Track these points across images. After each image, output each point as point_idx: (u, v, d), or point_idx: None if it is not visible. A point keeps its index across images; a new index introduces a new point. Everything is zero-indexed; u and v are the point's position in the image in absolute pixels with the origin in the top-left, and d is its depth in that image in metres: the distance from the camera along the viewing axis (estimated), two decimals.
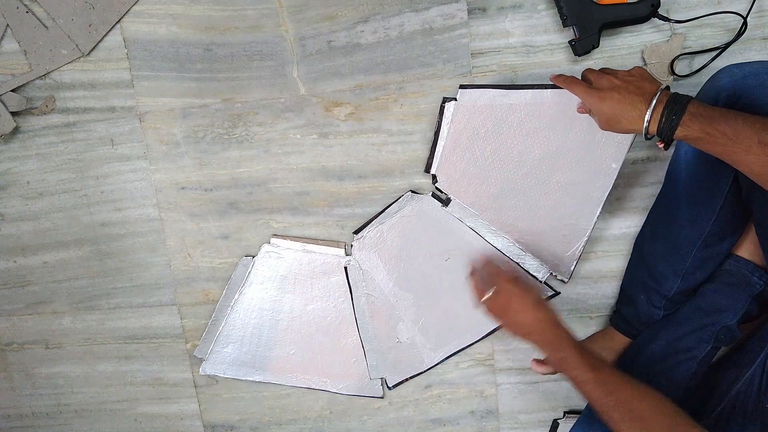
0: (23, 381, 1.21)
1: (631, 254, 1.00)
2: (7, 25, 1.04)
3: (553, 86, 0.90)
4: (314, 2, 0.99)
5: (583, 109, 0.85)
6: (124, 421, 1.21)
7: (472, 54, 0.98)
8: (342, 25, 0.99)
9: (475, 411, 1.12)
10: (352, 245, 1.06)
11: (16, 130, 1.09)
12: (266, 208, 1.07)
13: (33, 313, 1.17)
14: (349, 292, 1.07)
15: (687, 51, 0.94)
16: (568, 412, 1.09)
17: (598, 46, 0.92)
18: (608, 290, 1.04)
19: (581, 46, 0.92)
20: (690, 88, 0.95)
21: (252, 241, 1.08)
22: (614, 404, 0.73)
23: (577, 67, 0.96)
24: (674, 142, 0.75)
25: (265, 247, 1.08)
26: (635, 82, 0.75)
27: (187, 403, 1.18)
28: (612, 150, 0.93)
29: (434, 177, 1.00)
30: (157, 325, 1.15)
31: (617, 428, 0.73)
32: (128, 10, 1.02)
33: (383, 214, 1.04)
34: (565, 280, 1.02)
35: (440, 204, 1.01)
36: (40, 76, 1.05)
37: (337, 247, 1.07)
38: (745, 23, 0.91)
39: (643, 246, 0.97)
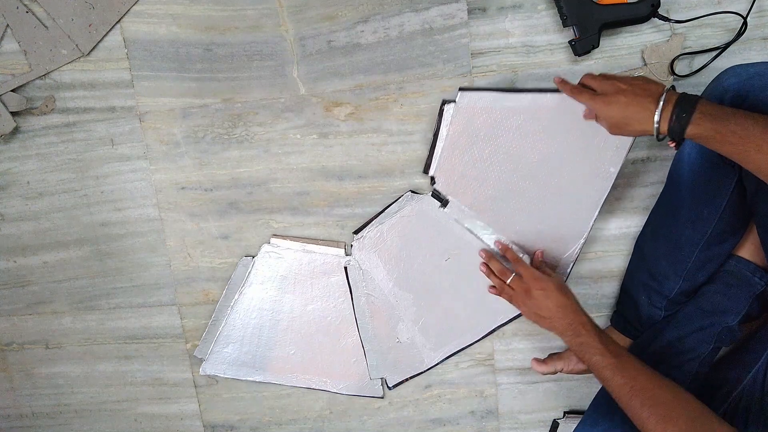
0: (23, 381, 1.21)
1: (632, 254, 1.00)
2: (7, 25, 1.04)
3: (553, 90, 0.90)
4: (314, 2, 0.99)
5: (590, 115, 0.85)
6: (124, 421, 1.21)
7: (472, 54, 0.98)
8: (342, 25, 0.99)
9: (475, 411, 1.12)
10: (352, 245, 1.06)
11: (16, 130, 1.09)
12: (266, 208, 1.07)
13: (33, 313, 1.17)
14: (349, 292, 1.07)
15: (687, 51, 0.94)
16: (568, 412, 1.09)
17: (598, 46, 0.92)
18: (608, 290, 1.04)
19: (581, 46, 0.92)
20: (690, 88, 0.95)
21: (252, 241, 1.08)
22: (635, 390, 0.74)
23: (577, 68, 0.96)
24: (684, 142, 0.75)
25: (265, 247, 1.08)
26: (640, 84, 0.75)
27: (187, 403, 1.18)
28: (610, 154, 0.93)
29: (432, 178, 1.00)
30: (157, 325, 1.15)
31: (637, 415, 0.73)
32: (128, 10, 1.02)
33: (383, 214, 1.04)
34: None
35: (439, 204, 1.01)
36: (40, 76, 1.05)
37: (337, 247, 1.07)
38: (745, 23, 0.91)
39: (644, 246, 0.97)
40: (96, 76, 1.05)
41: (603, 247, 1.03)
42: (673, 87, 0.75)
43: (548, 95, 0.92)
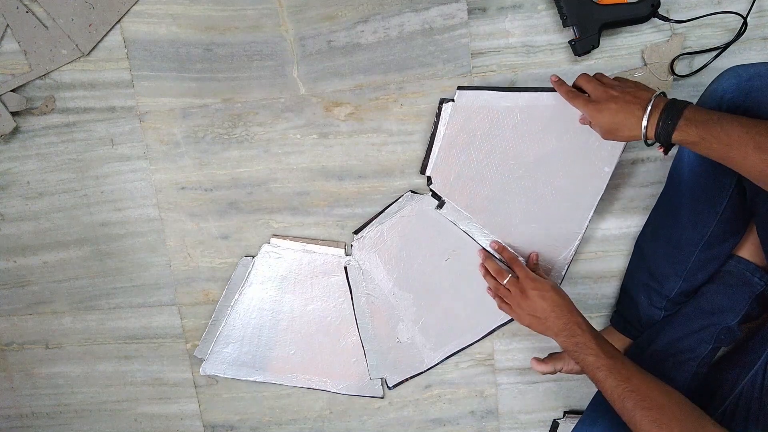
0: (23, 381, 1.21)
1: (632, 254, 1.00)
2: (7, 25, 1.04)
3: (550, 89, 0.90)
4: (314, 2, 0.99)
5: (585, 120, 0.86)
6: (124, 421, 1.21)
7: (472, 54, 0.98)
8: (342, 25, 0.99)
9: (475, 411, 1.12)
10: (352, 245, 1.06)
11: (16, 130, 1.09)
12: (266, 208, 1.07)
13: (33, 313, 1.17)
14: (349, 292, 1.07)
15: (687, 51, 0.94)
16: (568, 412, 1.09)
17: (598, 46, 0.92)
18: (608, 290, 1.04)
19: (581, 46, 0.92)
20: (690, 88, 0.95)
21: (252, 241, 1.08)
22: (628, 392, 0.74)
23: (577, 67, 0.96)
24: (674, 147, 0.75)
25: (265, 247, 1.08)
26: (631, 91, 0.77)
27: (187, 403, 1.18)
28: (605, 154, 0.93)
29: (429, 178, 1.00)
30: (157, 325, 1.15)
31: (630, 417, 0.73)
32: (128, 10, 1.02)
33: (383, 214, 1.04)
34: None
35: (435, 205, 1.01)
36: (40, 76, 1.05)
37: (337, 247, 1.07)
38: (745, 23, 0.91)
39: (644, 246, 0.97)
40: (96, 76, 1.05)
41: (603, 247, 1.03)
42: (663, 93, 0.77)
43: (545, 95, 0.92)
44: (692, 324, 0.90)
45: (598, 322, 1.06)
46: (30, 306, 1.17)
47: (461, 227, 1.00)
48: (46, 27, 1.03)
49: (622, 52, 0.95)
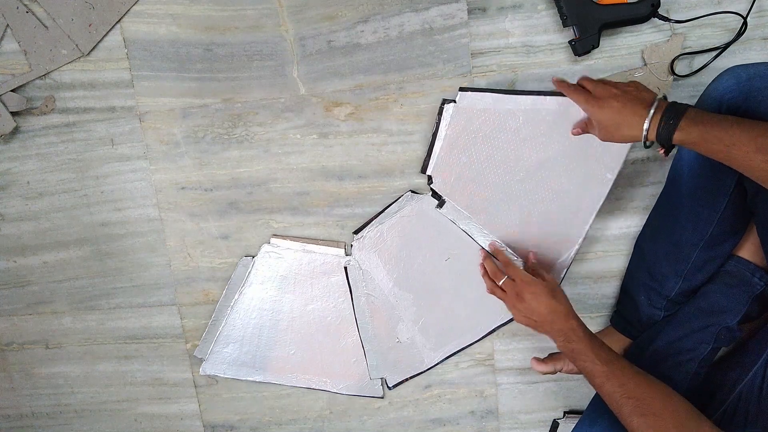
0: (23, 381, 1.21)
1: (632, 254, 1.00)
2: (7, 25, 1.04)
3: (553, 93, 0.90)
4: (314, 2, 0.99)
5: (579, 129, 0.87)
6: (124, 421, 1.21)
7: (472, 54, 0.98)
8: (342, 25, 0.99)
9: (475, 411, 1.12)
10: (352, 245, 1.06)
11: (16, 130, 1.09)
12: (266, 208, 1.07)
13: (33, 313, 1.17)
14: (349, 292, 1.07)
15: (687, 51, 0.94)
16: (568, 412, 1.09)
17: (598, 46, 0.92)
18: (608, 290, 1.04)
19: (581, 46, 0.92)
20: (690, 88, 0.95)
21: (252, 241, 1.08)
22: (625, 398, 0.74)
23: (577, 67, 0.96)
24: (674, 149, 0.75)
25: (265, 247, 1.08)
26: (633, 91, 0.77)
27: (187, 403, 1.18)
28: (608, 160, 0.92)
29: (430, 178, 1.00)
30: (157, 325, 1.15)
31: (627, 421, 0.73)
32: (128, 10, 1.02)
33: (383, 214, 1.04)
34: None
35: (436, 204, 1.00)
36: (40, 76, 1.05)
37: (337, 247, 1.07)
38: (745, 23, 0.91)
39: (644, 246, 0.97)
40: (96, 76, 1.05)
41: (603, 247, 1.03)
42: (664, 96, 0.77)
43: (548, 98, 0.92)
44: (692, 324, 0.90)
45: (598, 322, 1.06)
46: (30, 306, 1.17)
47: (461, 227, 1.00)
48: (46, 27, 1.03)
49: (622, 52, 0.95)
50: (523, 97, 0.94)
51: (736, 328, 0.89)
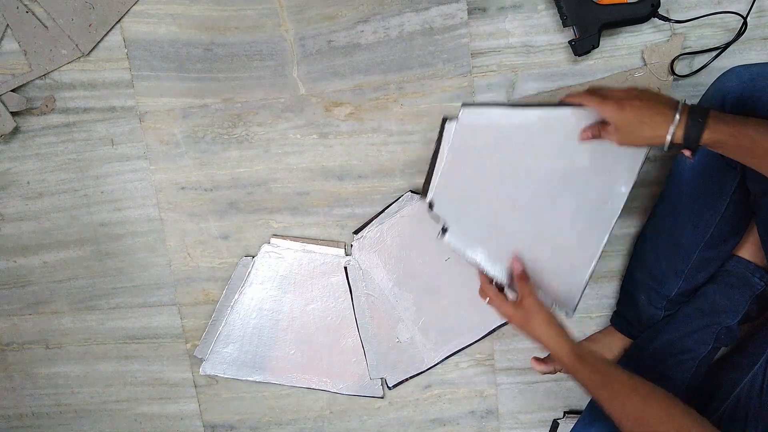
0: (23, 381, 1.21)
1: (632, 254, 1.00)
2: (7, 25, 1.04)
3: (560, 104, 0.84)
4: (314, 2, 0.99)
5: (590, 133, 0.81)
6: (124, 421, 1.21)
7: (472, 54, 0.98)
8: (342, 25, 0.99)
9: (475, 411, 1.12)
10: (352, 245, 1.06)
11: (16, 130, 1.09)
12: (266, 208, 1.07)
13: (33, 313, 1.17)
14: (349, 292, 1.07)
15: (687, 51, 0.94)
16: (568, 412, 1.09)
17: (598, 46, 0.92)
18: (608, 290, 1.04)
19: (581, 46, 0.92)
20: (690, 88, 0.95)
21: (252, 241, 1.08)
22: (624, 416, 0.73)
23: (577, 67, 0.96)
24: (696, 153, 0.72)
25: (265, 247, 1.08)
26: (649, 92, 0.74)
27: (187, 403, 1.18)
28: (621, 173, 0.85)
29: (431, 204, 0.89)
30: (157, 325, 1.15)
31: None
32: (128, 10, 1.02)
33: (383, 214, 1.04)
34: (569, 313, 0.93)
35: (439, 233, 0.90)
36: (40, 76, 1.05)
37: (337, 247, 1.07)
38: (745, 23, 0.91)
39: (644, 246, 0.96)
40: (96, 76, 1.05)
41: (603, 247, 1.02)
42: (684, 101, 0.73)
43: (556, 110, 0.83)
44: (692, 324, 0.90)
45: (598, 322, 1.06)
46: (30, 306, 1.17)
47: (467, 257, 0.91)
48: (46, 27, 1.03)
49: (622, 52, 0.95)
50: (529, 110, 0.85)
51: (736, 328, 0.89)
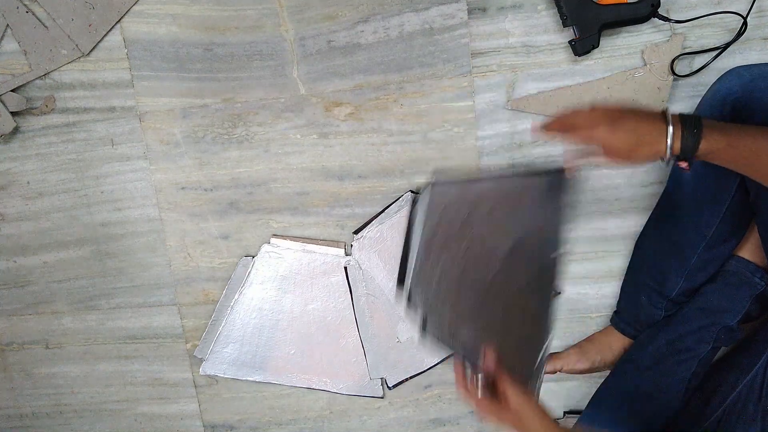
0: (23, 381, 1.21)
1: (632, 254, 1.00)
2: (7, 25, 1.04)
3: (515, 174, 0.79)
4: (314, 2, 0.99)
5: (579, 164, 0.75)
6: (124, 421, 1.21)
7: (472, 54, 0.98)
8: (342, 25, 0.99)
9: (475, 411, 1.12)
10: (352, 245, 1.06)
11: (16, 130, 1.09)
12: (266, 208, 1.07)
13: (33, 313, 1.17)
14: (349, 292, 1.07)
15: (687, 51, 0.94)
16: (568, 412, 1.09)
17: (598, 46, 0.92)
18: (608, 290, 1.04)
19: (581, 46, 0.92)
20: (690, 88, 0.95)
21: (252, 241, 1.08)
22: None
23: (577, 67, 0.96)
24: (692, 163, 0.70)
25: (265, 247, 1.08)
26: (634, 108, 0.70)
27: (187, 403, 1.18)
28: (548, 240, 0.80)
29: (409, 296, 0.84)
30: (157, 325, 1.15)
31: None
32: (128, 10, 1.02)
33: (383, 214, 1.04)
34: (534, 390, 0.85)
35: (419, 332, 0.83)
36: (40, 76, 1.05)
37: (337, 247, 1.07)
38: (745, 23, 0.91)
39: (644, 247, 0.96)
40: (96, 76, 1.05)
41: (603, 247, 1.03)
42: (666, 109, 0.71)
43: (510, 179, 0.81)
44: (692, 324, 0.90)
45: (598, 322, 1.06)
46: (30, 306, 1.17)
47: (446, 350, 0.83)
48: (46, 27, 1.03)
49: (622, 52, 0.95)
50: (493, 180, 0.82)
51: (736, 328, 0.89)
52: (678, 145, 0.67)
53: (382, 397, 1.12)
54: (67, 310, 1.16)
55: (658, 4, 0.89)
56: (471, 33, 0.97)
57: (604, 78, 0.96)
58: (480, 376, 0.77)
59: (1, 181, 1.12)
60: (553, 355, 1.00)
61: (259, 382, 1.13)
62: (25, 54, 1.05)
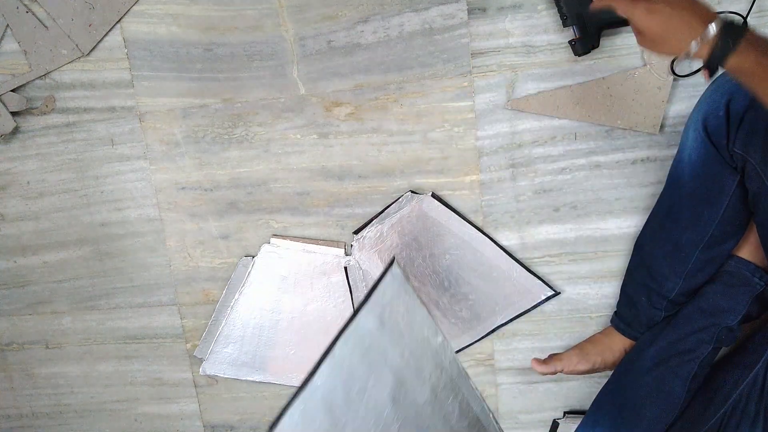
0: (23, 381, 1.21)
1: (632, 255, 1.00)
2: (7, 25, 1.04)
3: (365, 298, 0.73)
4: (314, 2, 0.99)
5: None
6: (124, 421, 1.21)
7: (472, 54, 0.98)
8: (342, 25, 0.99)
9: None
10: (352, 245, 1.06)
11: (16, 130, 1.09)
12: (266, 208, 1.07)
13: (33, 313, 1.18)
14: (349, 292, 1.07)
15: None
16: (568, 412, 1.09)
17: (597, 46, 0.92)
18: (608, 290, 1.04)
19: (581, 46, 0.92)
20: (690, 88, 0.95)
21: (252, 241, 1.08)
22: None
23: (577, 67, 0.96)
24: (716, 75, 0.67)
25: (265, 247, 1.08)
26: (688, 2, 0.66)
27: (187, 403, 1.18)
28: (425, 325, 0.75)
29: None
30: (157, 325, 1.15)
31: None
32: (128, 10, 1.02)
33: (383, 214, 1.04)
34: None
35: None
36: (40, 76, 1.06)
37: (337, 247, 1.07)
38: (745, 23, 0.91)
39: (644, 247, 0.96)
40: (96, 76, 1.05)
41: (603, 247, 1.03)
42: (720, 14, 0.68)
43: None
44: (692, 324, 0.90)
45: (598, 322, 1.05)
46: (30, 306, 1.17)
47: None
48: (46, 27, 1.03)
49: (622, 52, 0.95)
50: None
51: (736, 328, 0.89)
52: (705, 52, 0.65)
53: None
54: (67, 310, 1.16)
55: None
56: (471, 33, 0.97)
57: (604, 78, 0.96)
58: None
59: (1, 181, 1.12)
60: (554, 356, 1.00)
61: (259, 382, 1.13)
62: (25, 54, 1.05)
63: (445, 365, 0.76)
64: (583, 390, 1.08)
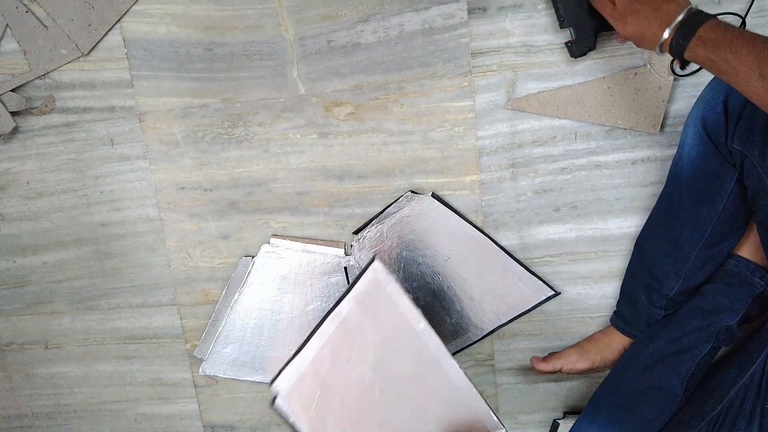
0: (23, 381, 1.21)
1: (632, 254, 1.00)
2: (7, 25, 1.03)
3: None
4: (314, 2, 0.99)
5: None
6: (124, 421, 1.21)
7: (472, 54, 0.98)
8: (342, 25, 0.99)
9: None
10: (352, 245, 1.06)
11: (15, 130, 1.09)
12: (266, 208, 1.07)
13: (33, 313, 1.17)
14: None
15: None
16: (568, 412, 1.09)
17: (594, 48, 0.91)
18: (608, 290, 1.04)
19: (577, 48, 0.91)
20: (690, 87, 0.95)
21: (252, 241, 1.08)
22: None
23: (577, 67, 0.96)
24: (689, 66, 0.75)
25: (265, 247, 1.08)
26: (653, 3, 0.73)
27: (187, 403, 1.18)
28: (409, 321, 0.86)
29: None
30: (157, 325, 1.15)
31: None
32: (128, 9, 1.02)
33: (383, 214, 1.04)
34: None
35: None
36: (39, 76, 1.05)
37: (337, 247, 1.07)
38: (744, 23, 0.91)
39: (644, 246, 0.96)
40: (96, 76, 1.05)
41: (603, 247, 1.03)
42: (689, 7, 0.72)
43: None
44: (692, 323, 0.90)
45: (598, 322, 1.06)
46: (30, 306, 1.17)
47: None
48: (46, 27, 1.03)
49: (622, 52, 0.95)
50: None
51: (736, 328, 0.89)
52: (666, 49, 0.72)
53: None
54: (67, 310, 1.16)
55: None
56: (471, 33, 0.97)
57: (604, 78, 0.96)
58: None
59: (1, 181, 1.12)
60: (553, 355, 1.00)
61: (259, 382, 1.13)
62: (25, 54, 1.04)
63: (429, 346, 0.87)
64: (583, 390, 1.08)
